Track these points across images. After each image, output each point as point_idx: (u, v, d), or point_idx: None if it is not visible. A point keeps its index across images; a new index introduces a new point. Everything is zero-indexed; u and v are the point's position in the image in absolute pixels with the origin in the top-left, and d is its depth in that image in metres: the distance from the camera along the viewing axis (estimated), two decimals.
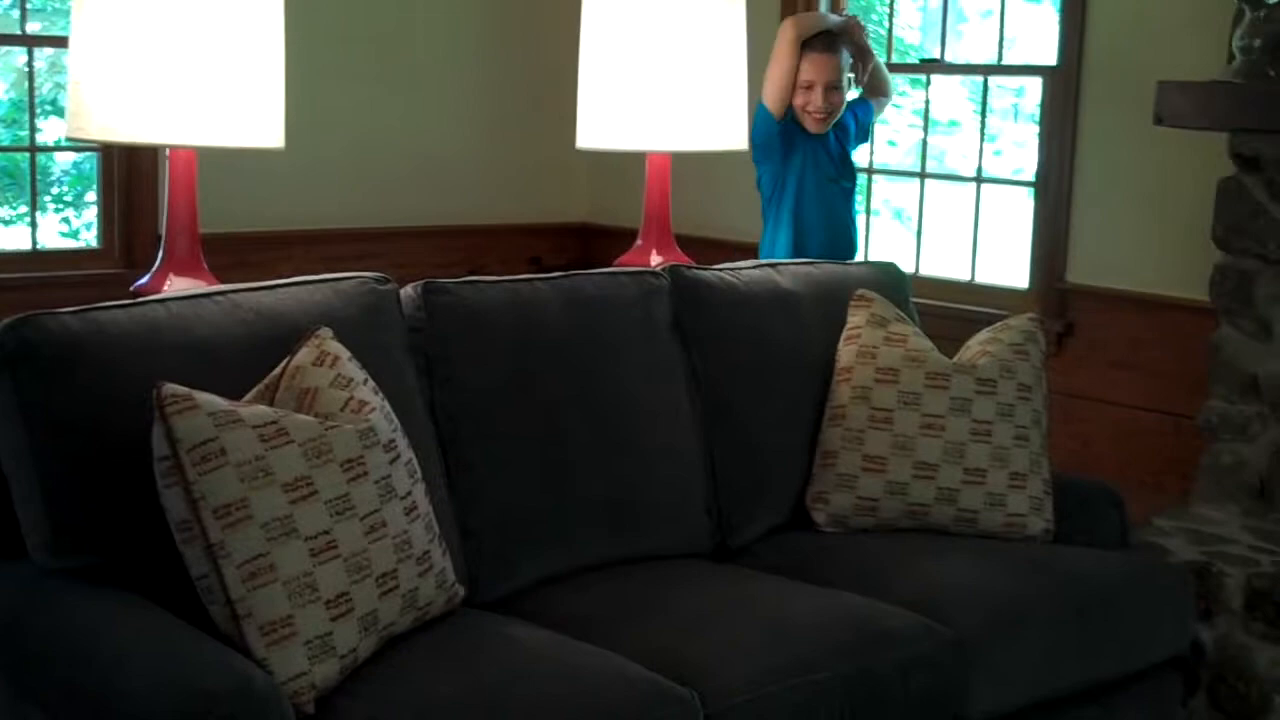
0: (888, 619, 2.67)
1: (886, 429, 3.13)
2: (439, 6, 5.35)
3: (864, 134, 4.30)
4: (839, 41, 4.03)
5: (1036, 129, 4.66)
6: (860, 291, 3.36)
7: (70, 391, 2.30)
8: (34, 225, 4.77)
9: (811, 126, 4.01)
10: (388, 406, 2.44)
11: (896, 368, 3.19)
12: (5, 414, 2.28)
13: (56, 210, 5.20)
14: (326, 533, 2.21)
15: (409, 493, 2.38)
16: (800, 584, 2.82)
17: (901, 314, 3.37)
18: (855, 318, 3.30)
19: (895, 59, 5.26)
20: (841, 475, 3.13)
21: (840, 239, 4.10)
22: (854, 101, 4.17)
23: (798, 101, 3.99)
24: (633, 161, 4.15)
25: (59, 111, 4.85)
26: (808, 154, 4.06)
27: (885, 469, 3.10)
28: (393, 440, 2.39)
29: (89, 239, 4.91)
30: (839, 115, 4.04)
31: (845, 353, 3.25)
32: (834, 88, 3.97)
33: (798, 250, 3.99)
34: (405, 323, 2.78)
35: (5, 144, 4.89)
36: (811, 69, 3.97)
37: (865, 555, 2.98)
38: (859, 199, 5.31)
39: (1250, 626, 3.43)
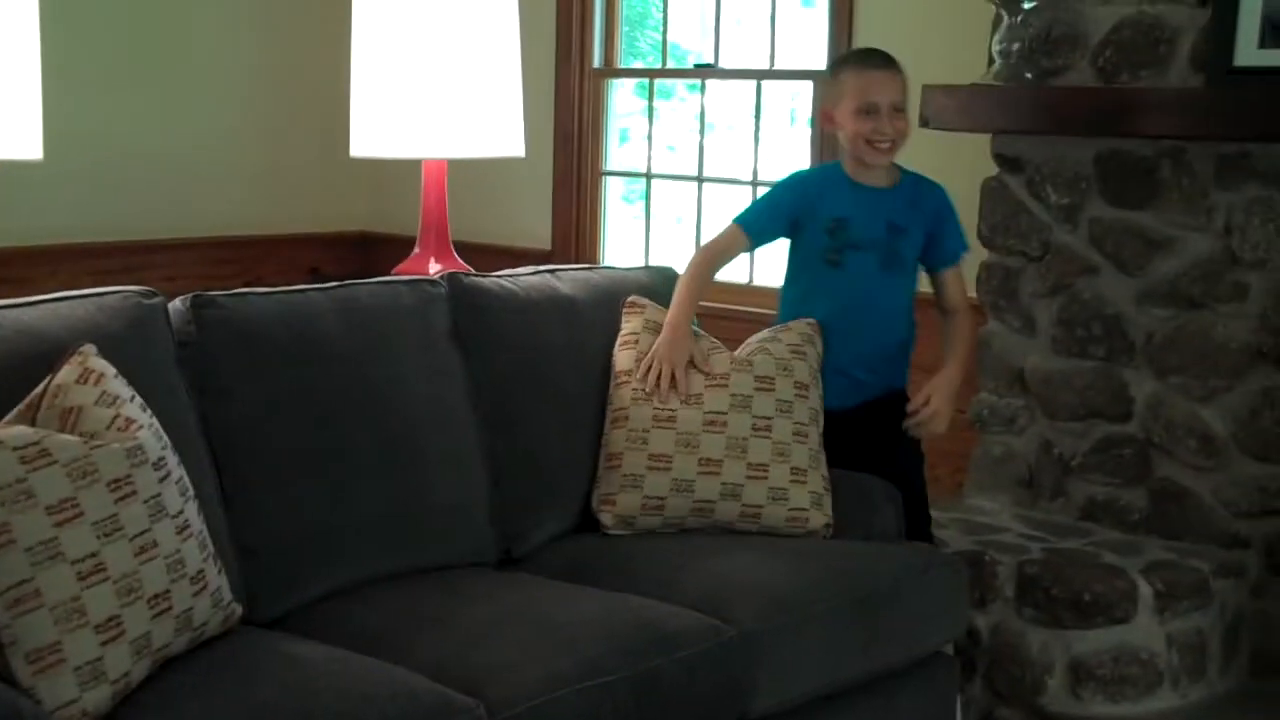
0: (672, 620, 2.69)
1: (670, 428, 3.15)
2: (206, 12, 5.23)
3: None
4: (894, 61, 3.40)
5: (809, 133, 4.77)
6: (632, 298, 3.38)
7: None
8: None
9: (876, 159, 3.36)
10: (157, 424, 2.37)
11: None
12: None
13: None
14: (94, 555, 2.13)
15: (181, 511, 2.32)
16: (586, 588, 2.82)
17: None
18: (630, 323, 3.33)
19: (671, 64, 5.32)
20: (627, 476, 3.14)
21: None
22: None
23: (860, 129, 3.32)
24: (411, 169, 4.11)
25: None
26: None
27: (671, 466, 3.13)
28: (162, 458, 2.32)
29: None
30: (896, 154, 3.39)
31: (622, 357, 3.27)
32: (900, 110, 3.34)
33: None
34: (174, 337, 2.70)
35: None
36: (873, 88, 3.32)
37: (650, 556, 3.00)
38: (640, 203, 5.36)
39: (1022, 612, 3.55)
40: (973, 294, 3.77)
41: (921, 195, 3.44)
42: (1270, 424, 3.69)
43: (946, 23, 4.32)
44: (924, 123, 3.88)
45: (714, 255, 3.49)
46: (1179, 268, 3.80)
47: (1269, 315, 3.67)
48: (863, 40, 4.44)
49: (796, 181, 3.54)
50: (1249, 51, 3.59)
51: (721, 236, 3.50)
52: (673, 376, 3.18)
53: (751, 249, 3.58)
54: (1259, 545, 3.73)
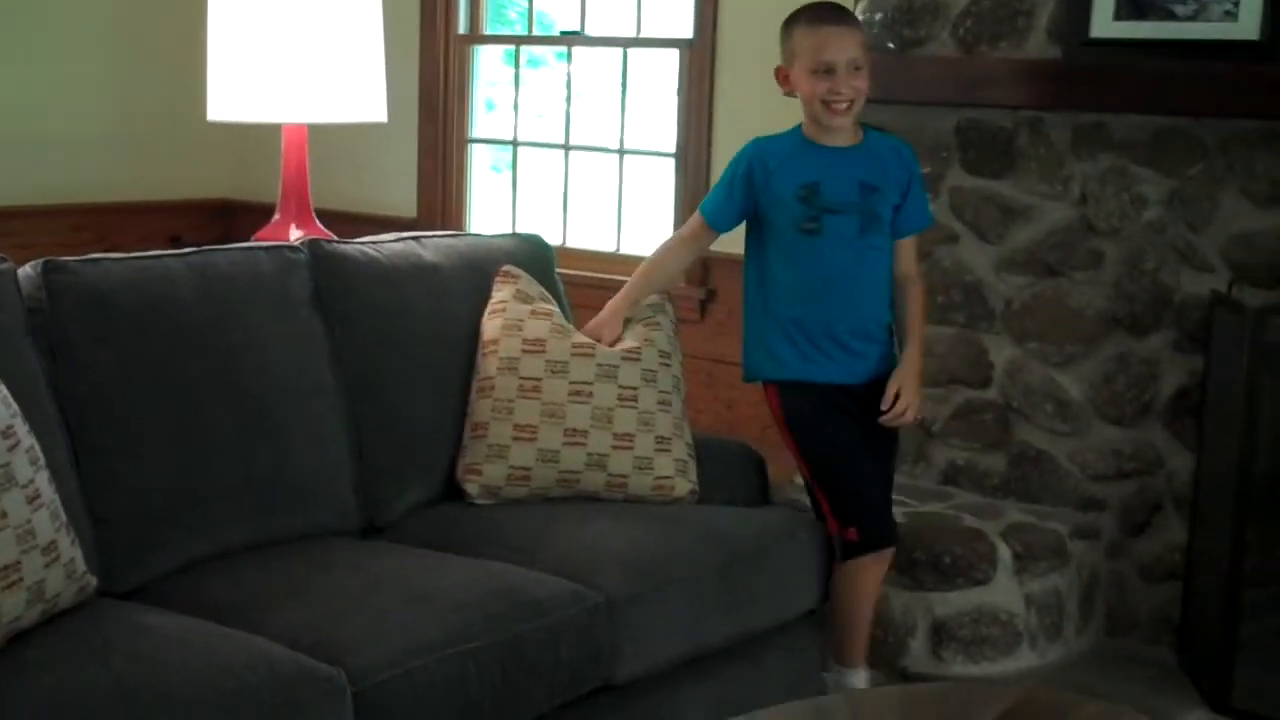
0: (537, 587, 2.68)
1: (536, 398, 3.14)
2: None
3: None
4: (851, 17, 3.20)
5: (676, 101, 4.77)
6: (505, 268, 3.36)
7: None
8: None
9: (834, 120, 3.14)
10: (4, 391, 2.30)
11: (543, 338, 3.21)
12: None
13: None
14: None
15: (31, 480, 2.25)
16: (450, 556, 2.81)
17: (544, 289, 3.39)
18: (500, 293, 3.30)
19: (537, 31, 5.29)
20: (492, 446, 3.12)
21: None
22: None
23: (816, 89, 3.11)
24: (273, 134, 4.04)
25: None
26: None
27: (536, 437, 3.12)
28: (10, 427, 2.25)
29: None
30: (856, 114, 3.17)
31: (490, 325, 3.24)
32: (859, 67, 3.11)
33: None
34: (24, 304, 2.63)
35: None
36: (827, 46, 3.09)
37: (516, 524, 2.99)
38: (506, 172, 5.33)
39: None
40: None
41: (889, 152, 3.25)
42: (1124, 389, 3.78)
43: None
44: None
45: (676, 245, 3.38)
46: (1037, 236, 3.87)
47: (1123, 283, 3.76)
48: (728, 10, 4.45)
49: (749, 155, 3.24)
50: (1105, 24, 3.65)
51: (685, 226, 3.40)
52: None
53: (720, 233, 3.32)
54: (1114, 507, 3.82)
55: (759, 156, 3.23)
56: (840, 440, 3.21)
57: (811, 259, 3.18)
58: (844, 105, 3.12)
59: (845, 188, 3.17)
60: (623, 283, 3.37)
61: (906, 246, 3.31)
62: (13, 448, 2.24)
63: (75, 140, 5.17)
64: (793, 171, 3.18)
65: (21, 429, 2.30)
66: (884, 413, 3.19)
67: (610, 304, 3.31)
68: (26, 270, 2.70)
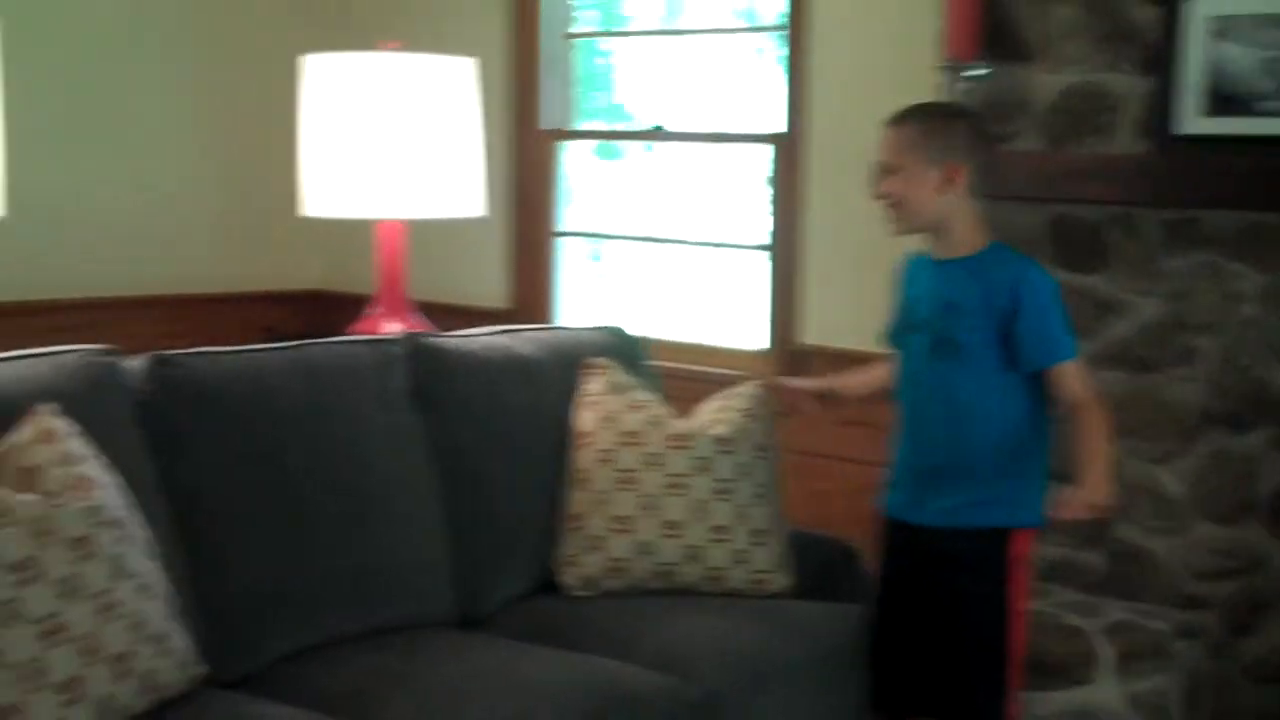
0: (635, 680, 2.68)
1: (632, 489, 3.15)
2: (155, 72, 5.22)
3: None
4: (914, 117, 2.95)
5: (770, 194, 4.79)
6: (593, 360, 3.38)
7: None
8: None
9: (889, 226, 2.97)
10: (117, 483, 2.34)
11: (637, 430, 3.22)
12: None
13: None
14: (55, 615, 2.11)
15: (142, 571, 2.29)
16: (547, 649, 2.81)
17: (636, 379, 3.41)
18: (592, 385, 3.33)
19: (622, 124, 5.35)
20: (589, 537, 3.13)
21: None
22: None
23: None
24: (365, 225, 4.11)
25: None
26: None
27: (633, 529, 3.12)
28: (123, 518, 2.29)
29: None
30: (912, 220, 2.92)
31: (584, 417, 3.26)
32: (890, 170, 2.91)
33: None
34: (133, 396, 2.68)
35: None
36: (878, 148, 2.95)
37: (613, 617, 2.99)
38: (600, 263, 5.37)
39: None
40: None
41: (989, 268, 2.91)
42: (1223, 485, 3.72)
43: (895, 85, 4.36)
44: None
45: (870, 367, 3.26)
46: (1130, 331, 3.84)
47: (1219, 379, 3.72)
48: (815, 105, 4.48)
49: (901, 268, 3.11)
50: (1192, 120, 3.65)
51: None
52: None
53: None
54: (1217, 606, 3.75)
55: (903, 265, 3.09)
56: (883, 584, 3.04)
57: (898, 375, 3.05)
58: (886, 208, 2.93)
59: (929, 304, 2.96)
60: (718, 374, 3.38)
61: (1056, 376, 2.88)
62: (124, 538, 2.28)
63: (175, 234, 5.27)
64: (909, 281, 3.06)
65: (132, 520, 2.33)
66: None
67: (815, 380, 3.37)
68: (135, 362, 2.75)
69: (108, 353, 2.69)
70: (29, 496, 2.18)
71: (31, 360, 2.58)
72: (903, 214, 2.91)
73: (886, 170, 2.91)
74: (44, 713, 2.05)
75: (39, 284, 4.86)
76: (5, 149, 2.94)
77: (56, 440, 2.32)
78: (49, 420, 2.35)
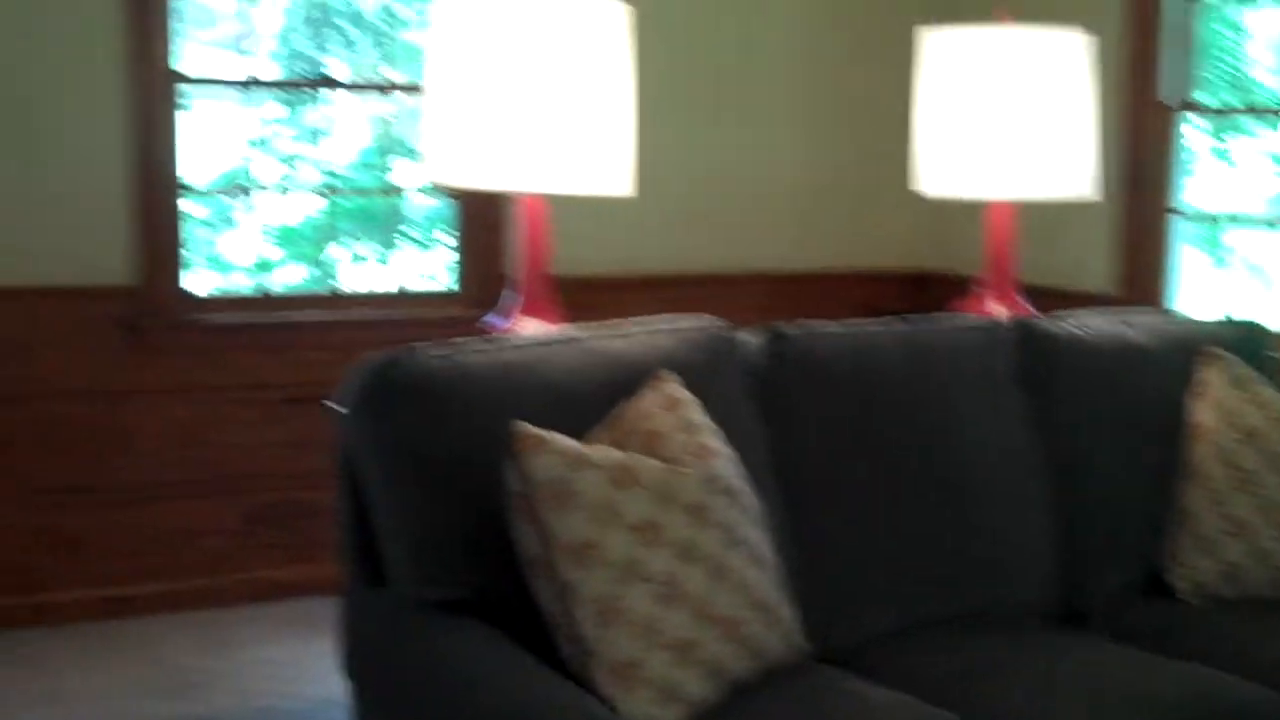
0: (1248, 696, 2.52)
1: (1250, 491, 2.96)
2: (781, 49, 5.37)
3: None
4: None
5: None
6: (1210, 349, 3.20)
7: (433, 429, 2.37)
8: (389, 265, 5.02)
9: None
10: (731, 453, 2.44)
11: (1259, 428, 3.02)
12: (374, 449, 2.38)
13: (410, 249, 5.41)
14: (672, 578, 2.22)
15: (753, 541, 2.37)
16: (1151, 654, 2.68)
17: (1259, 374, 3.20)
18: (1207, 374, 3.15)
19: (1253, 99, 5.03)
20: (1201, 539, 2.97)
21: None
22: None
23: None
24: (971, 206, 4.07)
25: (410, 154, 5.07)
26: None
27: (1250, 533, 2.94)
28: (737, 487, 2.38)
29: (442, 280, 5.11)
30: None
31: (1199, 410, 3.10)
32: None
33: None
34: (748, 369, 2.77)
35: (364, 186, 5.15)
36: None
37: (1225, 626, 2.82)
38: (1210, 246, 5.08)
39: None
40: None
41: None
42: None
43: None
44: None
45: None
46: None
47: None
48: None
49: None
50: None
51: None
52: None
53: None
54: None
55: None
56: None
57: None
58: None
59: None
60: None
61: None
62: (737, 508, 2.36)
63: (786, 211, 5.42)
64: None
65: (745, 490, 2.42)
66: None
67: None
68: (749, 336, 2.85)
69: (724, 326, 2.80)
70: (653, 461, 2.31)
71: (656, 331, 2.72)
72: None
73: None
74: (660, 670, 2.16)
75: (654, 258, 5.13)
76: (636, 131, 3.10)
77: (678, 408, 2.43)
78: (672, 388, 2.47)
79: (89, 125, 4.40)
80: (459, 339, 2.55)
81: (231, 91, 4.82)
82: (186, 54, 4.59)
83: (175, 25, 4.50)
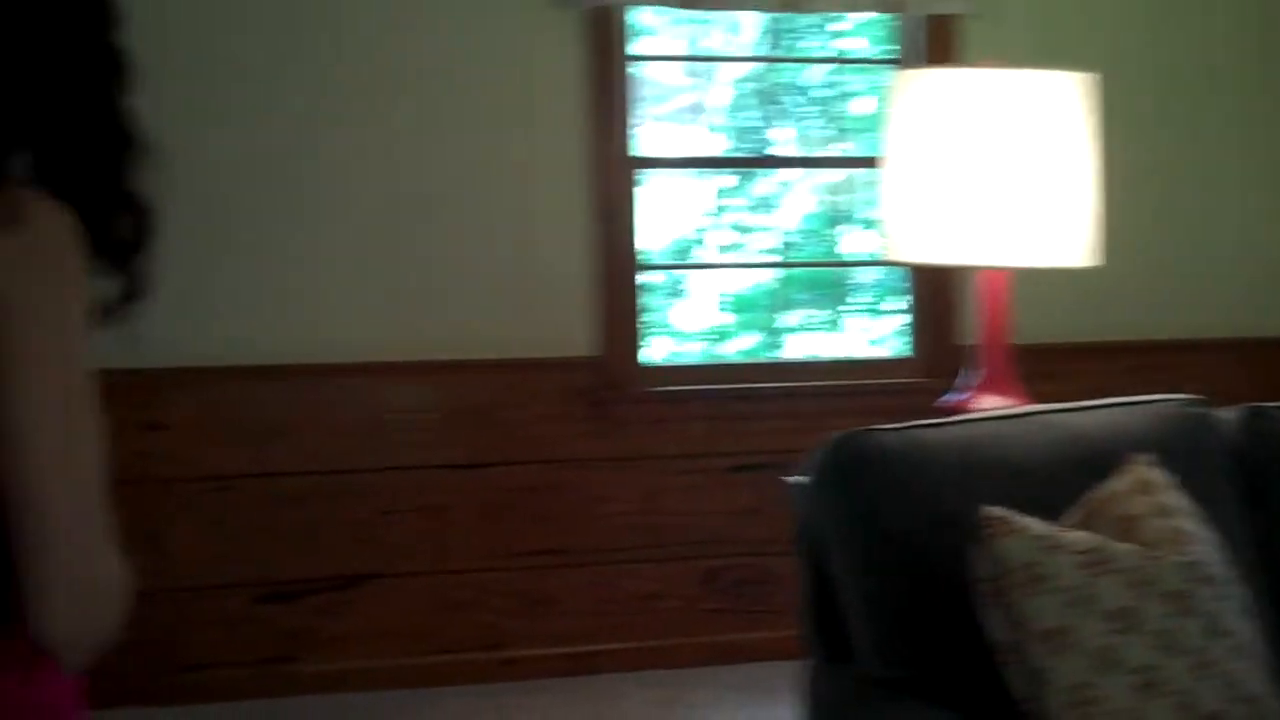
0: None
1: None
2: (1224, 112, 5.13)
3: None
4: None
5: None
6: None
7: (895, 506, 2.38)
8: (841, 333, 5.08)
9: None
10: (1212, 538, 2.33)
11: None
12: (840, 524, 2.40)
13: (859, 315, 5.46)
14: (1150, 668, 2.14)
15: (1238, 630, 2.26)
16: None
17: None
18: None
19: None
20: None
21: None
22: None
23: None
24: None
25: (857, 223, 5.12)
26: None
27: None
28: (1220, 575, 2.28)
29: (891, 346, 5.12)
30: None
31: None
32: None
33: None
34: (1226, 448, 2.65)
35: (812, 255, 5.24)
36: None
37: None
38: None
39: None
40: None
41: None
42: None
43: None
44: None
45: None
46: None
47: None
48: None
49: None
50: None
51: None
52: None
53: None
54: None
55: None
56: None
57: None
58: None
59: None
60: None
61: None
62: (1223, 596, 2.26)
63: (1247, 272, 5.16)
64: None
65: (1229, 578, 2.31)
66: None
67: None
68: (1226, 414, 2.72)
69: (1199, 403, 2.69)
70: (1128, 546, 2.24)
71: (1125, 408, 2.64)
72: None
73: None
74: None
75: (1119, 326, 4.97)
76: (1106, 198, 3.04)
77: (1154, 491, 2.35)
78: (1146, 470, 2.39)
79: (564, 210, 4.66)
80: (920, 419, 2.55)
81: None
82: (643, 131, 4.80)
83: (633, 111, 4.72)
